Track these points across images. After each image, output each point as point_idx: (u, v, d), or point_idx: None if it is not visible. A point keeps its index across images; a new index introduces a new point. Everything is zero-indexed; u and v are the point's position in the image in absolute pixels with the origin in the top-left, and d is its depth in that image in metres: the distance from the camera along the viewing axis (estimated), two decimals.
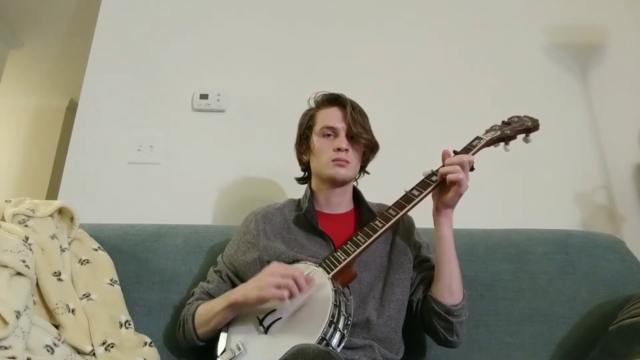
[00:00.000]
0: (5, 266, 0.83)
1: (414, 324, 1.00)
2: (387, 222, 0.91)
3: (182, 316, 1.00)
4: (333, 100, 1.07)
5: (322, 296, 0.82)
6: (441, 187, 0.93)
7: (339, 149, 1.00)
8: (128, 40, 1.71)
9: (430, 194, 0.94)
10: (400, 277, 0.98)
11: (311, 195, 1.07)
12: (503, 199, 1.50)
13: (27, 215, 0.98)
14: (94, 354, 0.90)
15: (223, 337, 0.88)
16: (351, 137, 1.03)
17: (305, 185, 1.12)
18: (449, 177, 0.89)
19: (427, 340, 1.06)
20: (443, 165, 0.93)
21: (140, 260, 1.17)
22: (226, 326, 0.90)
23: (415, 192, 0.93)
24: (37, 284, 0.90)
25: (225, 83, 1.64)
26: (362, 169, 1.12)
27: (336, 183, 1.04)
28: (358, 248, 0.89)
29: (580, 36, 1.68)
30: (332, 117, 1.04)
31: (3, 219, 0.97)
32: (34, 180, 3.32)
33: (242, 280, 0.97)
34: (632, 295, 1.07)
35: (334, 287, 0.82)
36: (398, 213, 0.91)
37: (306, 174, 1.14)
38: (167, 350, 1.05)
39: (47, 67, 3.06)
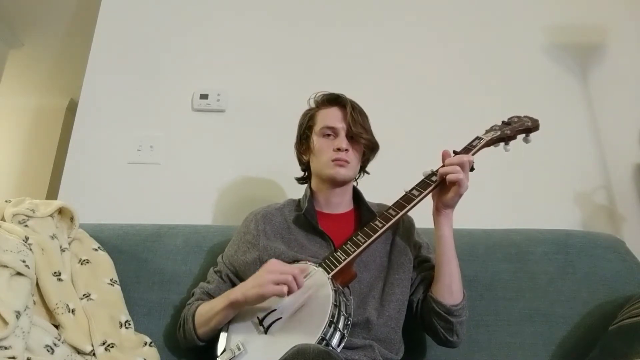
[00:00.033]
0: (5, 266, 0.83)
1: (414, 324, 1.00)
2: (387, 222, 0.91)
3: (183, 316, 1.00)
4: (333, 100, 1.07)
5: (322, 296, 0.82)
6: (441, 187, 0.93)
7: (339, 149, 1.00)
8: (128, 40, 1.71)
9: (430, 194, 0.94)
10: (400, 277, 0.98)
11: (311, 195, 1.07)
12: (503, 199, 1.50)
13: (27, 215, 0.98)
14: (94, 354, 0.90)
15: (223, 337, 0.88)
16: (351, 137, 1.03)
17: (305, 185, 1.12)
18: (449, 177, 0.89)
19: (427, 340, 1.06)
20: (443, 165, 0.93)
21: (140, 260, 1.17)
22: (226, 326, 0.90)
23: (415, 192, 0.93)
24: (37, 284, 0.90)
25: (225, 83, 1.64)
26: (362, 169, 1.12)
27: (336, 183, 1.04)
28: (358, 248, 0.89)
29: (580, 36, 1.68)
30: (332, 117, 1.04)
31: (3, 219, 0.97)
32: (34, 180, 3.32)
33: (242, 281, 0.97)
34: (632, 295, 1.07)
35: (334, 287, 0.82)
36: (398, 213, 0.91)
37: (306, 174, 1.14)
38: (167, 350, 1.05)
39: (47, 67, 3.06)
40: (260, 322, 0.85)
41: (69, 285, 0.97)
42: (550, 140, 1.47)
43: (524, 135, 1.00)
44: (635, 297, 1.04)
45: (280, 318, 0.84)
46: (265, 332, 0.83)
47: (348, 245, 0.91)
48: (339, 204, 1.07)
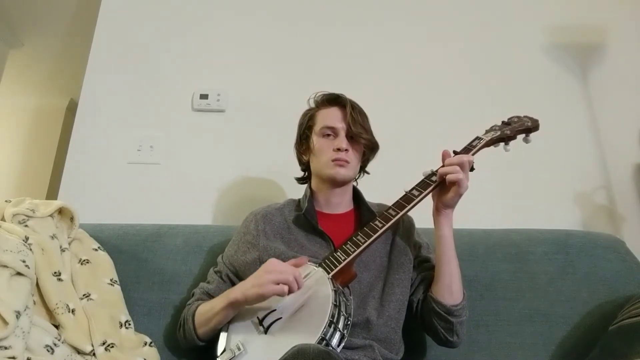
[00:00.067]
0: (5, 266, 0.83)
1: (414, 324, 1.00)
2: (387, 222, 0.91)
3: (182, 316, 1.00)
4: (333, 100, 1.07)
5: (322, 296, 0.81)
6: (441, 187, 0.93)
7: (338, 149, 1.00)
8: (128, 40, 1.71)
9: (430, 194, 0.94)
10: (400, 277, 0.98)
11: (311, 195, 1.07)
12: (503, 199, 1.50)
13: (27, 215, 0.98)
14: (94, 354, 0.90)
15: (223, 337, 0.88)
16: (351, 137, 1.03)
17: (305, 185, 1.12)
18: (449, 177, 0.89)
19: (427, 340, 1.06)
20: (443, 166, 0.93)
21: (140, 260, 1.17)
22: (226, 326, 0.90)
23: (415, 192, 0.93)
24: (37, 284, 0.90)
25: (225, 83, 1.64)
26: (362, 169, 1.12)
27: (336, 183, 1.04)
28: (358, 248, 0.89)
29: (580, 36, 1.68)
30: (332, 117, 1.04)
31: (3, 219, 0.97)
32: (34, 180, 3.32)
33: (242, 281, 0.97)
34: (632, 295, 1.07)
35: (334, 287, 0.82)
36: (398, 213, 0.91)
37: (306, 174, 1.14)
38: (167, 350, 1.05)
39: (47, 67, 3.06)
40: (260, 322, 0.85)
41: (69, 285, 0.97)
42: (550, 140, 1.47)
43: (524, 135, 1.00)
44: (635, 297, 1.04)
45: (280, 318, 0.84)
46: (265, 332, 0.83)
47: (348, 245, 0.91)
48: (339, 204, 1.07)
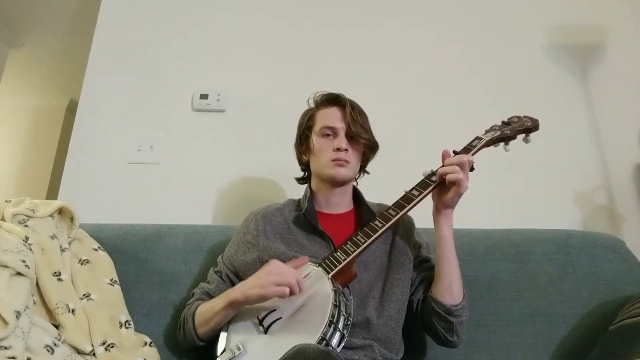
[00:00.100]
0: (5, 266, 0.83)
1: (414, 324, 1.00)
2: (387, 222, 0.91)
3: (182, 316, 1.00)
4: (332, 100, 1.07)
5: (322, 296, 0.82)
6: (441, 187, 0.93)
7: (338, 149, 1.00)
8: (128, 40, 1.71)
9: (430, 194, 0.94)
10: (400, 277, 0.98)
11: (311, 195, 1.07)
12: (503, 199, 1.50)
13: (27, 215, 0.98)
14: (94, 354, 0.90)
15: (223, 336, 0.88)
16: (351, 137, 1.03)
17: (305, 186, 1.12)
18: (449, 177, 0.89)
19: (427, 340, 1.06)
20: (443, 165, 0.93)
21: (140, 260, 1.17)
22: (226, 326, 0.90)
23: (415, 192, 0.93)
24: (37, 284, 0.90)
25: (225, 83, 1.64)
26: (362, 169, 1.12)
27: (336, 183, 1.04)
28: (358, 248, 0.89)
29: (580, 36, 1.68)
30: (331, 117, 1.04)
31: (3, 219, 0.97)
32: (34, 180, 3.32)
33: (242, 281, 0.97)
34: (632, 295, 1.07)
35: (334, 287, 0.82)
36: (398, 213, 0.91)
37: (306, 174, 1.14)
38: (167, 350, 1.05)
39: (47, 67, 3.06)
40: (260, 322, 0.85)
41: (69, 285, 0.97)
42: (550, 140, 1.47)
43: (523, 135, 0.99)
44: (635, 297, 1.04)
45: (280, 318, 0.84)
46: (265, 332, 0.84)
47: (348, 245, 0.91)
48: (339, 204, 1.07)
